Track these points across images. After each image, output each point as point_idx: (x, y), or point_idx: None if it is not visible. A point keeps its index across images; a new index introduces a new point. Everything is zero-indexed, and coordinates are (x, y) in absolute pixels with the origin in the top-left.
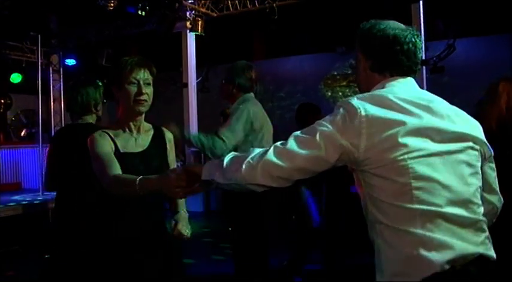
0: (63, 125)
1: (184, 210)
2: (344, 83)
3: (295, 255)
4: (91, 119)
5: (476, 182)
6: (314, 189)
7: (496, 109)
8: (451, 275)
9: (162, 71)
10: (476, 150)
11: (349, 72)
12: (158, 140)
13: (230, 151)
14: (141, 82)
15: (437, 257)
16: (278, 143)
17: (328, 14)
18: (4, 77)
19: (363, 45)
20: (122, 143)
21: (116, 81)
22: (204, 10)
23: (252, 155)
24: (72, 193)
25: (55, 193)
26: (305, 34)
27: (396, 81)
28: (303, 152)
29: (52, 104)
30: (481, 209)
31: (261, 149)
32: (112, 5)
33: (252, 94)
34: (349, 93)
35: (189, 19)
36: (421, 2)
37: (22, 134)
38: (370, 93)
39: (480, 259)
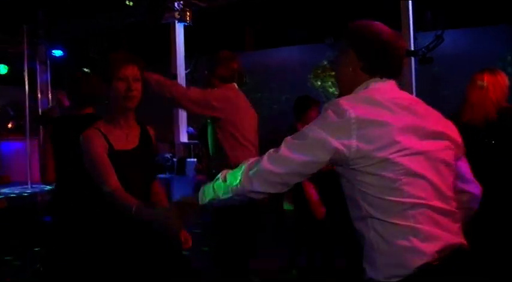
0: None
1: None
2: (334, 73)
3: (294, 251)
4: (91, 110)
5: (451, 178)
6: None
7: (488, 101)
8: (440, 263)
9: (151, 63)
10: (451, 149)
11: None
12: (145, 136)
13: None
14: (130, 79)
15: (429, 247)
16: (271, 150)
17: (316, 4)
18: None
19: (357, 46)
20: (115, 140)
21: (104, 78)
22: (192, 0)
23: (247, 164)
24: (70, 188)
25: (45, 186)
26: (294, 25)
27: (380, 83)
28: (296, 157)
29: (39, 95)
30: (455, 203)
31: (254, 159)
32: None
33: (234, 85)
34: None
35: (177, 9)
36: None
37: (9, 126)
38: (355, 94)
39: (461, 248)
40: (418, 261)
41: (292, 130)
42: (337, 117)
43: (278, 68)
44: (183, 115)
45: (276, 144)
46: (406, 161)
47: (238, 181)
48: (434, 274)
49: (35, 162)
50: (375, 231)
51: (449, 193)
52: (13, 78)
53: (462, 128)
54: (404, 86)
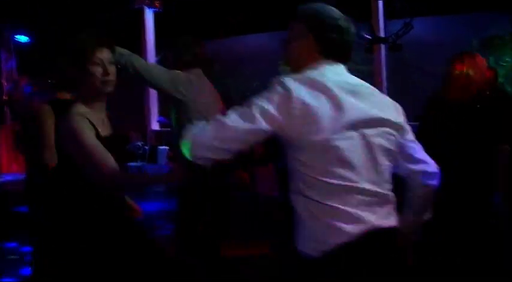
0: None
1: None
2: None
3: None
4: (68, 95)
5: (388, 162)
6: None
7: (468, 80)
8: (362, 243)
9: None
10: (391, 134)
11: None
12: (111, 122)
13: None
14: (106, 62)
15: (352, 228)
16: (218, 116)
17: None
18: None
19: (314, 28)
20: (98, 125)
21: (76, 62)
22: None
23: (193, 130)
24: (66, 177)
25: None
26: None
27: (330, 65)
28: (240, 123)
29: (5, 83)
30: (390, 186)
31: (202, 123)
32: None
33: (199, 70)
34: None
35: None
36: None
37: None
38: (304, 74)
39: (388, 231)
40: (339, 240)
41: None
42: (283, 94)
43: (249, 55)
44: (154, 103)
45: None
46: (339, 144)
47: (187, 150)
48: (349, 252)
49: (2, 151)
50: (304, 206)
51: (383, 176)
52: None
53: (443, 106)
54: (375, 72)
